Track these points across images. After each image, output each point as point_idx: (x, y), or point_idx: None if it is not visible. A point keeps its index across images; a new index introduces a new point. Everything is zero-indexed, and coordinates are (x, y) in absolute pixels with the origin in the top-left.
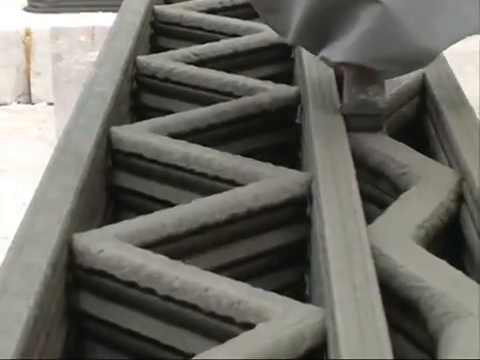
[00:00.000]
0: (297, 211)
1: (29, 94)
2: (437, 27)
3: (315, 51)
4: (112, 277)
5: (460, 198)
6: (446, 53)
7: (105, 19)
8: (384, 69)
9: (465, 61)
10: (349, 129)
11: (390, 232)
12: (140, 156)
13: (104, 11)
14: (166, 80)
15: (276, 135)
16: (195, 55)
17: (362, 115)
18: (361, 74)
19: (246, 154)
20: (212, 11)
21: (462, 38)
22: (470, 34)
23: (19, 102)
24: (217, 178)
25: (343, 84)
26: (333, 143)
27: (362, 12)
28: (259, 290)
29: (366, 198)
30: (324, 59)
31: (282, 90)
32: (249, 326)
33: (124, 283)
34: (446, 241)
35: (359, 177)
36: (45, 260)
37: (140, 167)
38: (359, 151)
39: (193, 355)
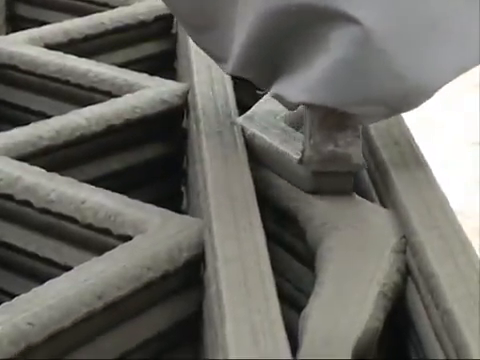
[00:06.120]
0: (174, 122)
1: None
2: (435, 56)
3: (265, 85)
4: None
5: None
6: None
7: None
8: (362, 112)
9: None
10: (311, 191)
11: None
12: (15, 68)
13: None
14: None
15: (153, 45)
16: None
17: (330, 173)
18: (329, 119)
19: (123, 65)
20: None
21: (466, 70)
22: (474, 65)
23: None
24: (93, 89)
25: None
26: None
27: (333, 36)
28: (136, 201)
29: (245, 109)
30: (278, 97)
31: None
32: (126, 238)
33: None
34: None
35: (237, 87)
36: None
37: (16, 78)
38: None
39: (71, 267)
